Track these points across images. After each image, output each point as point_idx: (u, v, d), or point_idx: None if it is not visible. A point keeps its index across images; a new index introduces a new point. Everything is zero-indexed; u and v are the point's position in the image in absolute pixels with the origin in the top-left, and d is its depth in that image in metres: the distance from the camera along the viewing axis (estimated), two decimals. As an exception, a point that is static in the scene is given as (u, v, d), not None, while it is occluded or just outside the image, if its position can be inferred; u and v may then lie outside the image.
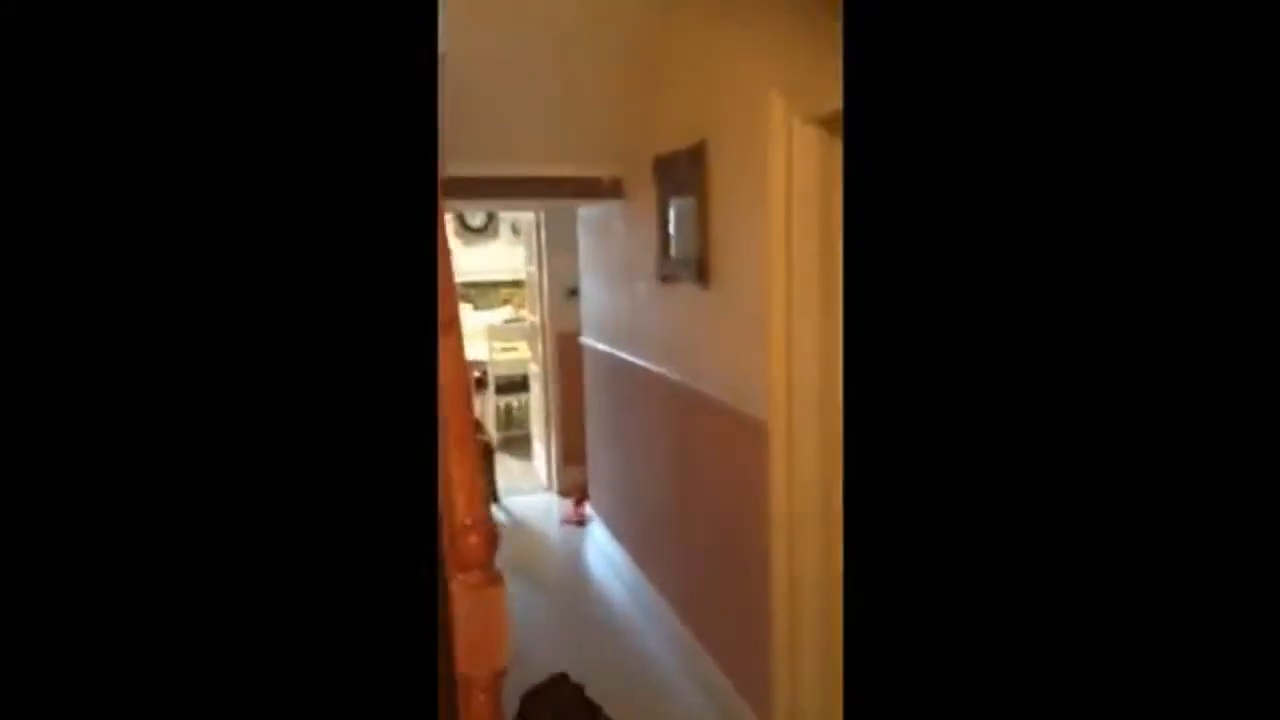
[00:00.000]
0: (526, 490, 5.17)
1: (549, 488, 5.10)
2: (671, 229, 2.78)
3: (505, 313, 7.08)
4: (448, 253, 1.47)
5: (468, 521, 1.33)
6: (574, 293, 4.54)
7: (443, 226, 1.51)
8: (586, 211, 3.97)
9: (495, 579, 1.32)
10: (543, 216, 4.87)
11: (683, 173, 2.61)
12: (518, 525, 4.63)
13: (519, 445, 6.06)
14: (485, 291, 7.52)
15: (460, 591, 1.29)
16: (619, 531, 3.84)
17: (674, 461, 3.02)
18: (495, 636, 1.23)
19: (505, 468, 5.59)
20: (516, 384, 6.07)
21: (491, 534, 1.35)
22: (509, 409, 6.63)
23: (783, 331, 2.08)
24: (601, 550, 4.03)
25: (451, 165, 2.97)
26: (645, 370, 3.21)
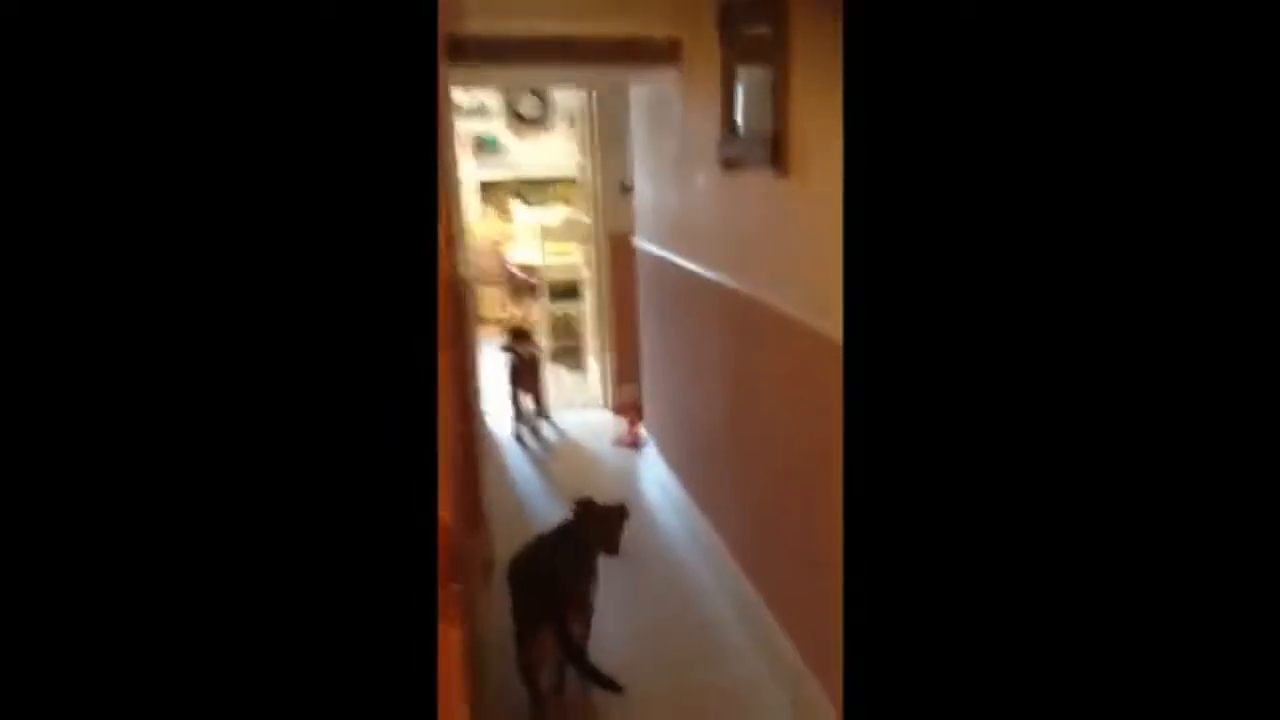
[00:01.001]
0: (579, 405, 4.77)
1: (603, 404, 4.69)
2: (739, 98, 2.21)
3: (560, 212, 6.57)
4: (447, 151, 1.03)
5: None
6: (628, 189, 4.01)
7: (442, 103, 1.03)
8: (640, 90, 3.39)
9: (444, 613, 0.87)
10: (594, 99, 4.30)
11: (755, 19, 2.02)
12: (568, 444, 4.25)
13: (573, 357, 5.64)
14: (539, 188, 7.00)
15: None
16: (674, 460, 3.41)
17: (733, 386, 2.54)
18: (443, 700, 0.81)
19: (558, 381, 5.20)
20: (571, 290, 5.60)
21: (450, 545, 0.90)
22: (564, 317, 6.20)
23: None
24: (656, 479, 3.62)
25: (476, 21, 2.43)
26: (701, 278, 2.70)
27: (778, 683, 2.23)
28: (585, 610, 2.08)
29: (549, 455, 4.11)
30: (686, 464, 3.24)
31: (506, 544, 2.90)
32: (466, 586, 2.03)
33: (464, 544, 2.32)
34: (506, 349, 4.27)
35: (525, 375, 4.25)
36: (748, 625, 2.49)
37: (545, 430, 4.37)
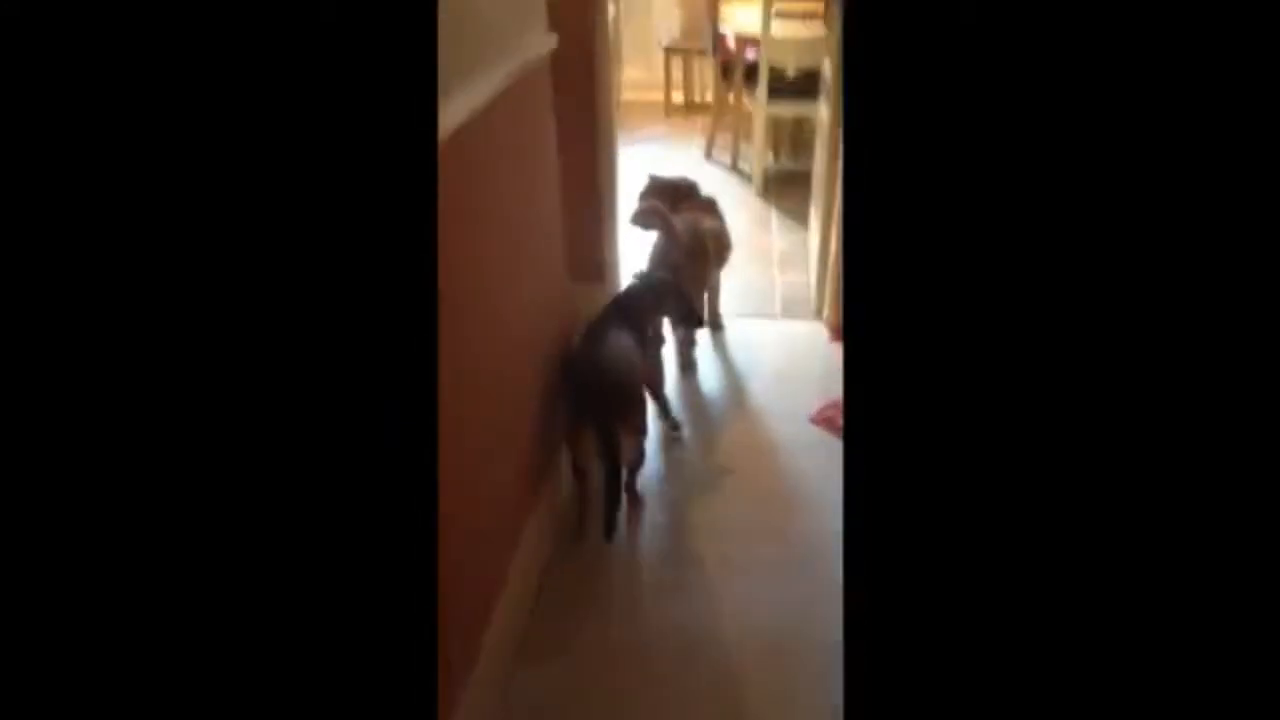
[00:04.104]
0: (778, 305, 2.81)
1: (817, 311, 2.71)
2: None
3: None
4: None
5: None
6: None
7: None
8: None
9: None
10: None
11: None
12: (737, 396, 2.37)
13: (795, 194, 3.58)
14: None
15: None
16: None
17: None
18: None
19: (760, 236, 3.23)
20: (807, 86, 3.43)
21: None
22: (793, 125, 4.03)
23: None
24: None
25: None
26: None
27: None
28: (639, 416, 1.80)
29: (698, 420, 2.28)
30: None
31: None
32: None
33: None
34: (641, 218, 2.32)
35: (680, 269, 2.22)
36: None
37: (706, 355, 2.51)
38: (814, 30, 3.24)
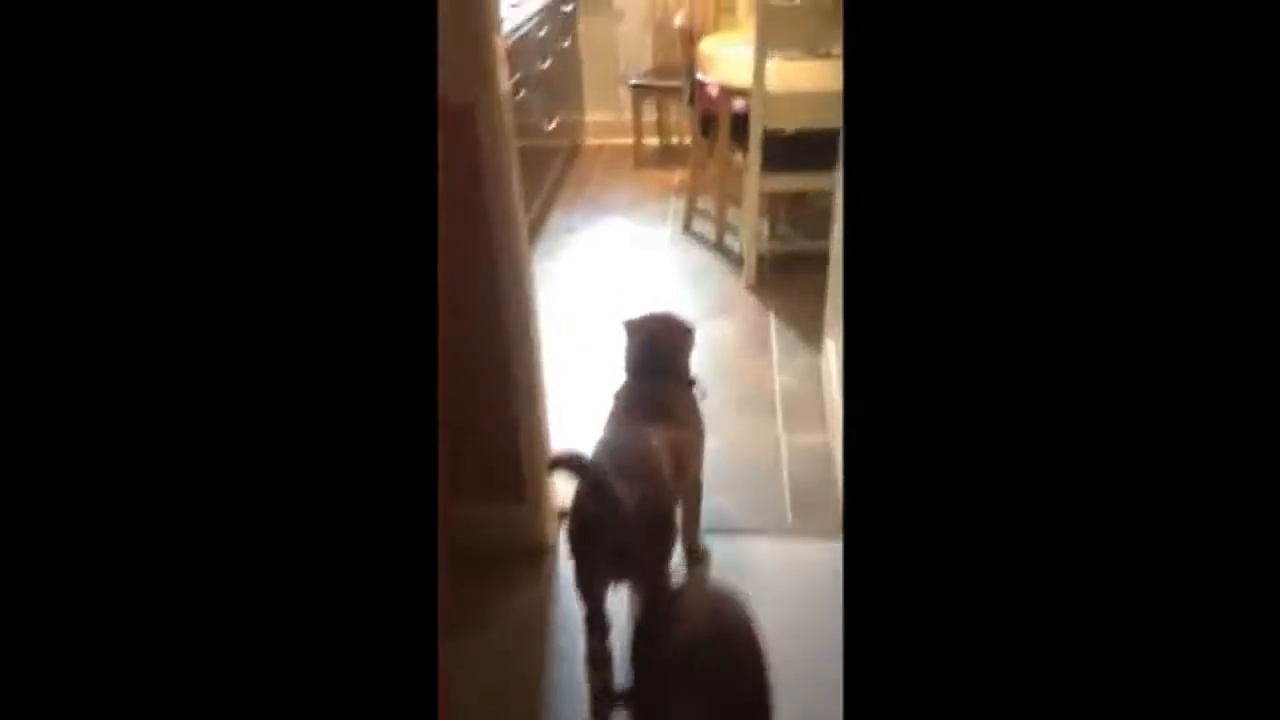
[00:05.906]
0: (785, 511, 1.93)
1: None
2: None
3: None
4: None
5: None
6: None
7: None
8: None
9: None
10: None
11: None
12: None
13: (807, 282, 2.72)
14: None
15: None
16: None
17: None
18: None
19: (759, 356, 2.36)
20: (815, 149, 2.56)
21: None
22: (798, 201, 3.15)
23: None
24: None
25: None
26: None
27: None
28: None
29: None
30: None
31: None
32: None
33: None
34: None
35: (618, 537, 1.25)
36: None
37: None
38: (823, 79, 2.39)
